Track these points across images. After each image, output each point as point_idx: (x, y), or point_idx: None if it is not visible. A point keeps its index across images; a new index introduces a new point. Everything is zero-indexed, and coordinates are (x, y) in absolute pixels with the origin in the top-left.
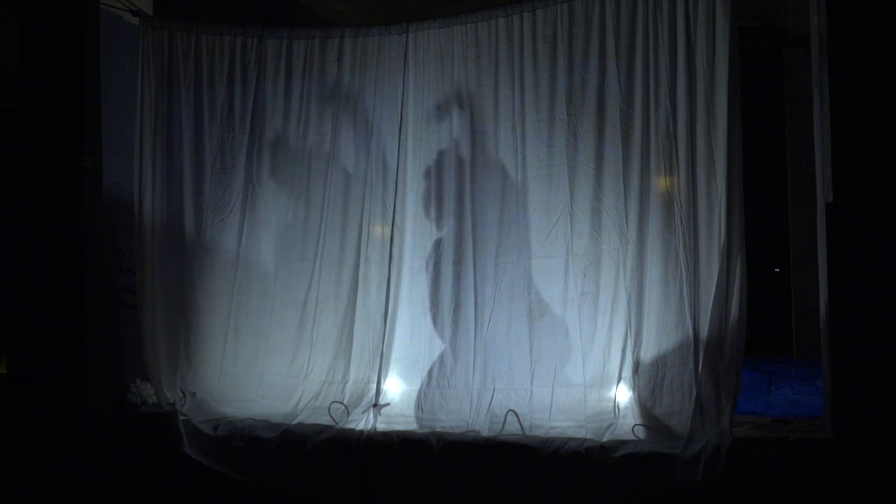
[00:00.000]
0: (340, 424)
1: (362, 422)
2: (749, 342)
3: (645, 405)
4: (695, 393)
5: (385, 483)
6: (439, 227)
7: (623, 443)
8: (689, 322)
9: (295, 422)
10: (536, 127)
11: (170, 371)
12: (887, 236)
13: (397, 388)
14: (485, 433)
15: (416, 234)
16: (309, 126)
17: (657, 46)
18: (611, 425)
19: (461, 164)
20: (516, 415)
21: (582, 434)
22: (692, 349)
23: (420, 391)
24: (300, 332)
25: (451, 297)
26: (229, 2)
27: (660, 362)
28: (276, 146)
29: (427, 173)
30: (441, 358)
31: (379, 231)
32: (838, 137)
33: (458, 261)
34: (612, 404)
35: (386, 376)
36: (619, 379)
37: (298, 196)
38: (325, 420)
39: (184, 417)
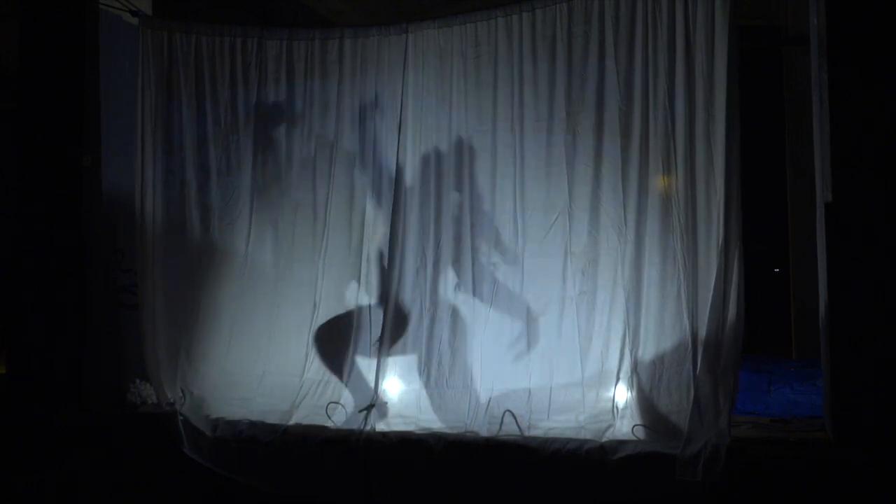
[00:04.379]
0: (338, 424)
1: (361, 422)
2: (748, 342)
3: (644, 405)
4: (693, 393)
5: (385, 483)
6: (438, 226)
7: (622, 443)
8: (687, 322)
9: (292, 421)
10: (535, 126)
11: (170, 371)
12: (887, 236)
13: (396, 389)
14: (483, 433)
15: (416, 234)
16: (312, 127)
17: (656, 46)
18: (610, 426)
19: (460, 163)
20: (513, 415)
21: (581, 434)
22: (690, 349)
23: (419, 391)
24: (300, 331)
25: (450, 297)
26: (229, 2)
27: (658, 362)
28: (280, 148)
29: (426, 174)
30: (439, 358)
31: (379, 231)
32: (838, 137)
33: (457, 260)
34: (610, 404)
35: (384, 377)
36: (618, 379)
37: (304, 197)
38: (322, 420)
39: (183, 418)
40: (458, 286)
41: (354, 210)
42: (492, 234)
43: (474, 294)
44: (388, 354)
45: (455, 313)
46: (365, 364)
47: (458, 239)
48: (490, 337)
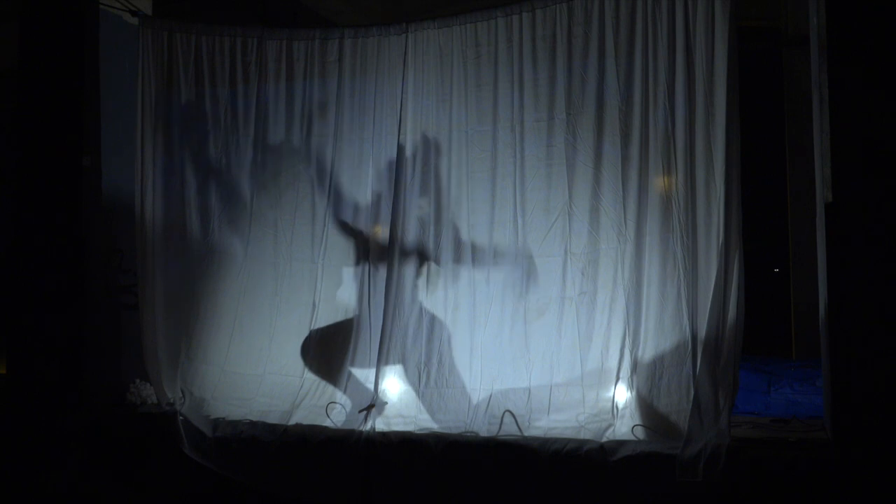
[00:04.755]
0: (338, 424)
1: (361, 422)
2: (748, 342)
3: (644, 405)
4: (693, 393)
5: (385, 483)
6: (438, 227)
7: (622, 443)
8: (686, 322)
9: (292, 421)
10: (535, 126)
11: (170, 371)
12: (887, 236)
13: (396, 389)
14: (483, 434)
15: (416, 235)
16: (311, 128)
17: (656, 46)
18: (609, 426)
19: (460, 164)
20: (513, 415)
21: (581, 434)
22: (690, 349)
23: (419, 392)
24: (300, 331)
25: (450, 298)
26: (229, 2)
27: (658, 362)
28: (280, 148)
29: (426, 173)
30: (440, 357)
31: (379, 232)
32: (838, 137)
33: (457, 260)
34: (610, 404)
35: (384, 377)
36: (618, 379)
37: (304, 197)
38: (322, 420)
39: (183, 418)
40: (457, 286)
41: (356, 210)
42: (491, 233)
43: (474, 294)
44: (388, 362)
45: (454, 313)
46: (362, 370)
47: (457, 238)
48: (489, 337)
